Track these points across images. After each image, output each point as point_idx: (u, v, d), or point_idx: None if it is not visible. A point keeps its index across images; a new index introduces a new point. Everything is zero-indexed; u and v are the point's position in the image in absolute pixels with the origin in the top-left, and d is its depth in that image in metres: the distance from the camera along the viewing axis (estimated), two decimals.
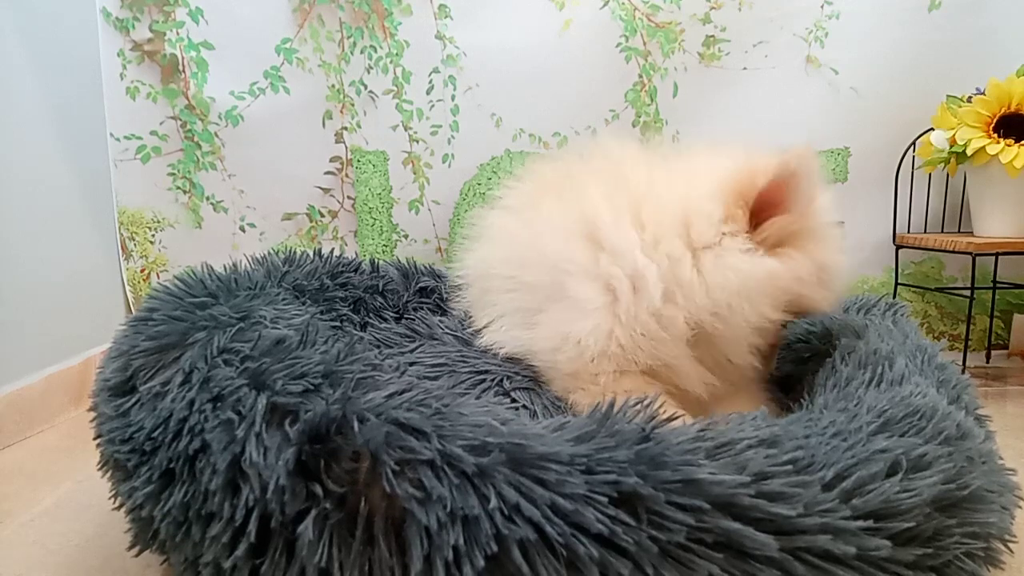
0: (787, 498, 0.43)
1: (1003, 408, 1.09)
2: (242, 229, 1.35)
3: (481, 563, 0.40)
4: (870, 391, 0.59)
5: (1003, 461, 0.56)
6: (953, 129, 1.14)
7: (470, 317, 0.89)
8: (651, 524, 0.41)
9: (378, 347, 0.86)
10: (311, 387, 0.49)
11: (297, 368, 0.50)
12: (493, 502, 0.41)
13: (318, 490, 0.43)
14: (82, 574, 0.61)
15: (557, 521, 0.41)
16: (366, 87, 1.32)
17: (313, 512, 0.43)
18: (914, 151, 1.26)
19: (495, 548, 0.40)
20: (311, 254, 0.95)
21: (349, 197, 1.36)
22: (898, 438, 0.49)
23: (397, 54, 1.31)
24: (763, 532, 0.41)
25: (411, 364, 0.77)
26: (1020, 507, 0.55)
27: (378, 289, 1.01)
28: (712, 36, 1.29)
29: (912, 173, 1.28)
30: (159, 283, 0.70)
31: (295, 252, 0.93)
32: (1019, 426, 1.00)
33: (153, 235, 1.33)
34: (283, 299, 0.76)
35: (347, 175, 1.35)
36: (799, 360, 0.83)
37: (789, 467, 0.45)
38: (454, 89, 1.32)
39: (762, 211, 0.67)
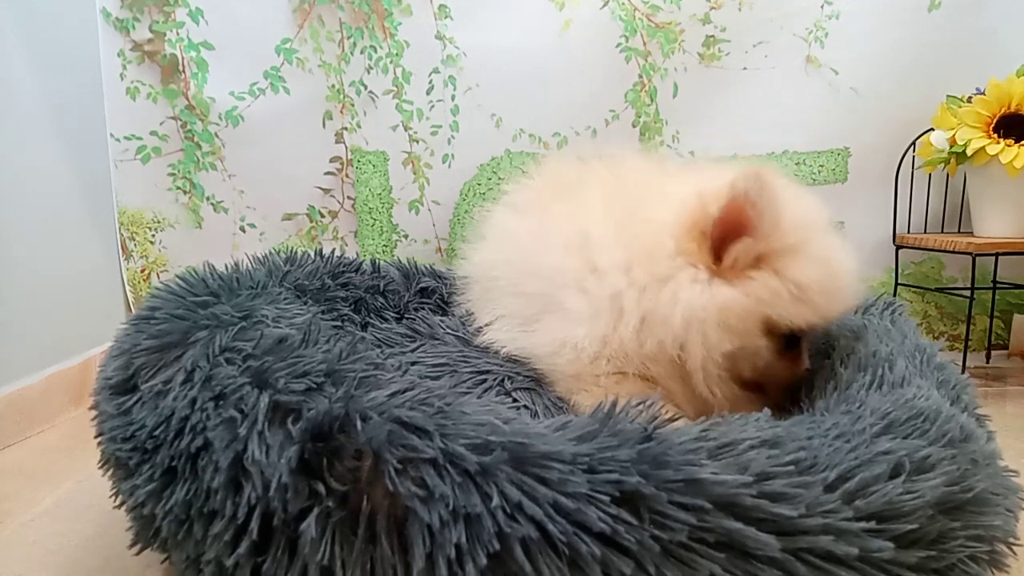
0: (789, 498, 0.43)
1: (1003, 408, 1.09)
2: (242, 229, 1.35)
3: (483, 561, 0.40)
4: (872, 394, 0.58)
5: (1004, 462, 0.56)
6: (953, 129, 1.15)
7: (472, 315, 0.89)
8: (653, 523, 0.41)
9: (379, 347, 0.86)
10: (313, 385, 0.49)
11: (299, 367, 0.50)
12: (495, 500, 0.41)
13: (320, 488, 0.43)
14: (82, 574, 0.61)
15: (559, 520, 0.41)
16: (366, 87, 1.32)
17: (315, 510, 0.42)
18: (914, 151, 1.26)
19: (497, 546, 0.40)
20: (312, 254, 0.95)
21: (349, 197, 1.36)
22: (901, 440, 0.49)
23: (397, 54, 1.31)
24: (765, 532, 0.41)
25: (412, 364, 0.77)
26: None
27: (379, 289, 1.01)
28: (712, 36, 1.29)
29: (912, 173, 1.28)
30: (161, 282, 0.70)
31: (296, 252, 0.94)
32: (1019, 426, 1.00)
33: (153, 235, 1.33)
34: (285, 299, 0.76)
35: (347, 175, 1.35)
36: None
37: (791, 468, 0.45)
38: (454, 89, 1.32)
39: (726, 237, 0.65)
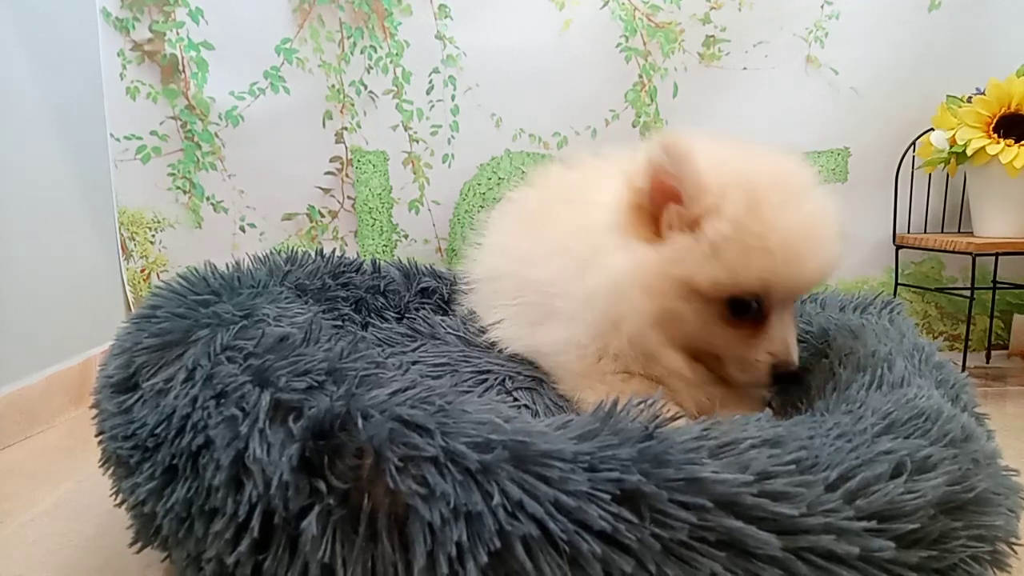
0: (790, 498, 0.43)
1: (1003, 408, 1.09)
2: (242, 229, 1.35)
3: (484, 559, 0.40)
4: (872, 394, 0.58)
5: (1005, 462, 0.56)
6: (953, 129, 1.15)
7: (475, 315, 0.90)
8: (654, 522, 0.41)
9: (380, 346, 0.86)
10: (315, 384, 0.49)
11: (301, 365, 0.50)
12: (496, 499, 0.41)
13: (321, 486, 0.43)
14: (82, 574, 0.61)
15: (560, 518, 0.41)
16: (366, 87, 1.32)
17: (316, 508, 0.42)
18: (914, 151, 1.26)
19: (498, 544, 0.40)
20: (313, 254, 0.96)
21: (349, 197, 1.36)
22: (903, 440, 0.49)
23: (397, 54, 1.31)
24: (766, 531, 0.41)
25: (413, 363, 0.78)
26: None
27: (380, 289, 1.01)
28: (712, 36, 1.29)
29: (912, 173, 1.28)
30: (162, 281, 0.70)
31: (297, 252, 0.94)
32: (1019, 426, 1.00)
33: (153, 235, 1.33)
34: (286, 298, 0.76)
35: (347, 175, 1.35)
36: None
37: (792, 467, 0.45)
38: (454, 89, 1.32)
39: (660, 208, 0.66)
